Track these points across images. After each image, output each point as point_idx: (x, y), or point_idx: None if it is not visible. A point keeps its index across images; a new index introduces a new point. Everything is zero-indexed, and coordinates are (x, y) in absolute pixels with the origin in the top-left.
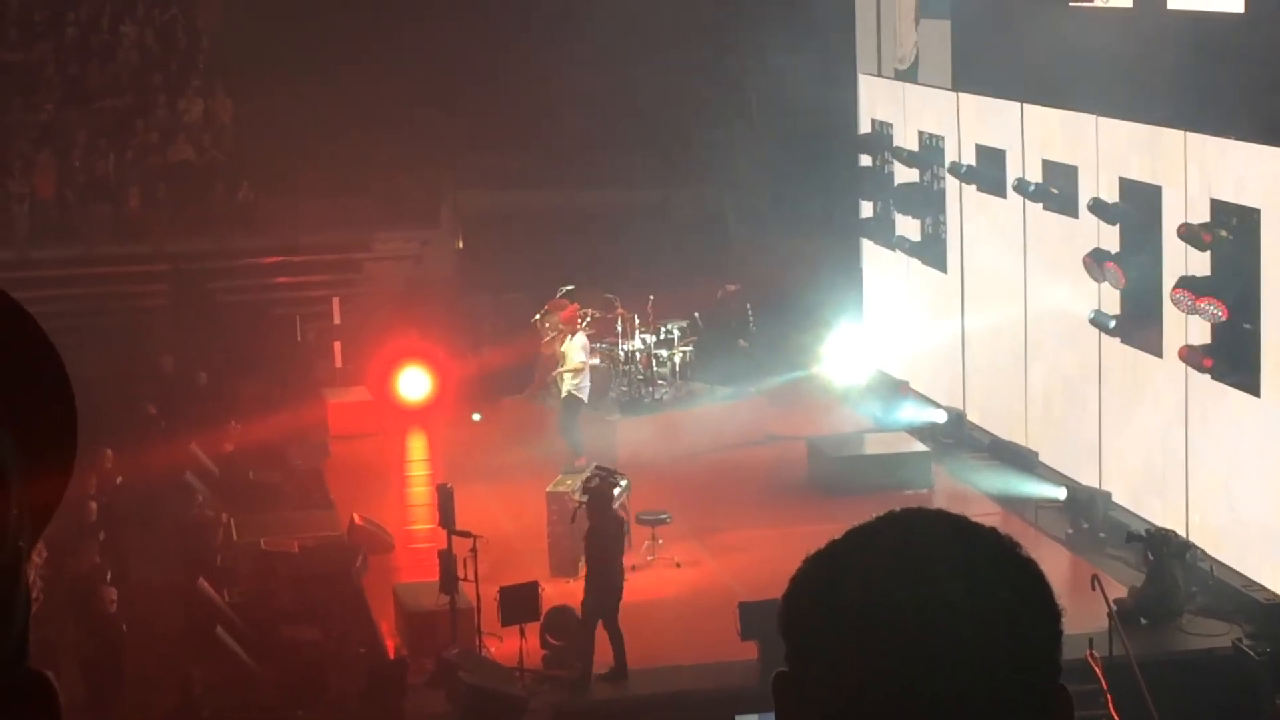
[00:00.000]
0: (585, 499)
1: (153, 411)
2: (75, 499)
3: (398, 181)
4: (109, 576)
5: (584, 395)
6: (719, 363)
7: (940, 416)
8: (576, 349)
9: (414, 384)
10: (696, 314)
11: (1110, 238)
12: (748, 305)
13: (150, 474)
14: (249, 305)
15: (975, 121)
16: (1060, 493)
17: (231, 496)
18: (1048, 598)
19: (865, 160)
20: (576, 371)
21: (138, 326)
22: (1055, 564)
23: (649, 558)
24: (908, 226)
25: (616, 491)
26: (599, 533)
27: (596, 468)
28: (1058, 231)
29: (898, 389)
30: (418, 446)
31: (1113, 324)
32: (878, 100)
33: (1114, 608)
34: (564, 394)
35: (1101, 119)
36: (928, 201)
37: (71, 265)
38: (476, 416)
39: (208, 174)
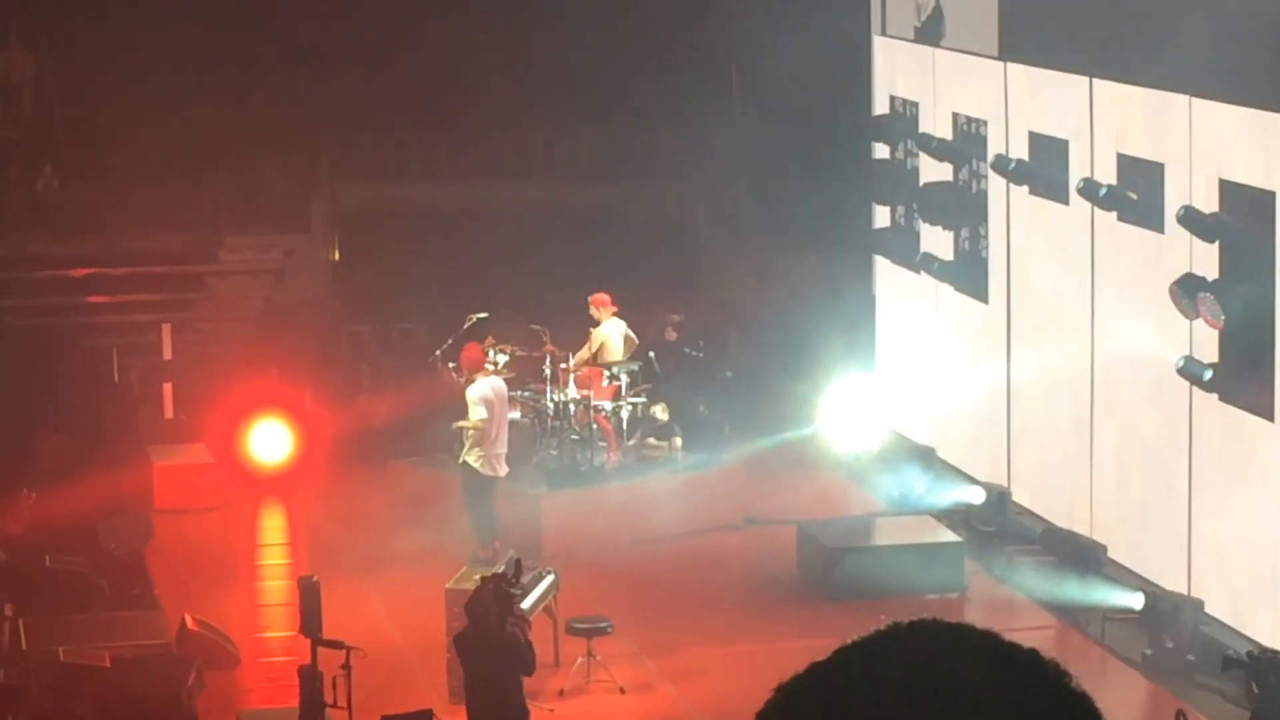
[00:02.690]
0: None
1: None
2: None
3: (254, 168)
4: None
5: (489, 468)
6: (682, 420)
7: (977, 496)
8: (474, 400)
9: (270, 442)
10: (652, 353)
11: (1207, 260)
12: (695, 348)
13: None
14: (49, 333)
15: (1029, 101)
16: (1136, 600)
17: (20, 589)
18: None
19: (881, 151)
20: (475, 431)
21: None
22: (1127, 695)
23: (583, 680)
24: (937, 241)
25: (534, 597)
26: (477, 658)
27: (506, 567)
28: (1137, 250)
29: (920, 458)
30: (273, 526)
31: (1208, 375)
32: (898, 71)
33: None
34: (460, 461)
35: (1198, 100)
36: (964, 207)
37: None
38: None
39: None
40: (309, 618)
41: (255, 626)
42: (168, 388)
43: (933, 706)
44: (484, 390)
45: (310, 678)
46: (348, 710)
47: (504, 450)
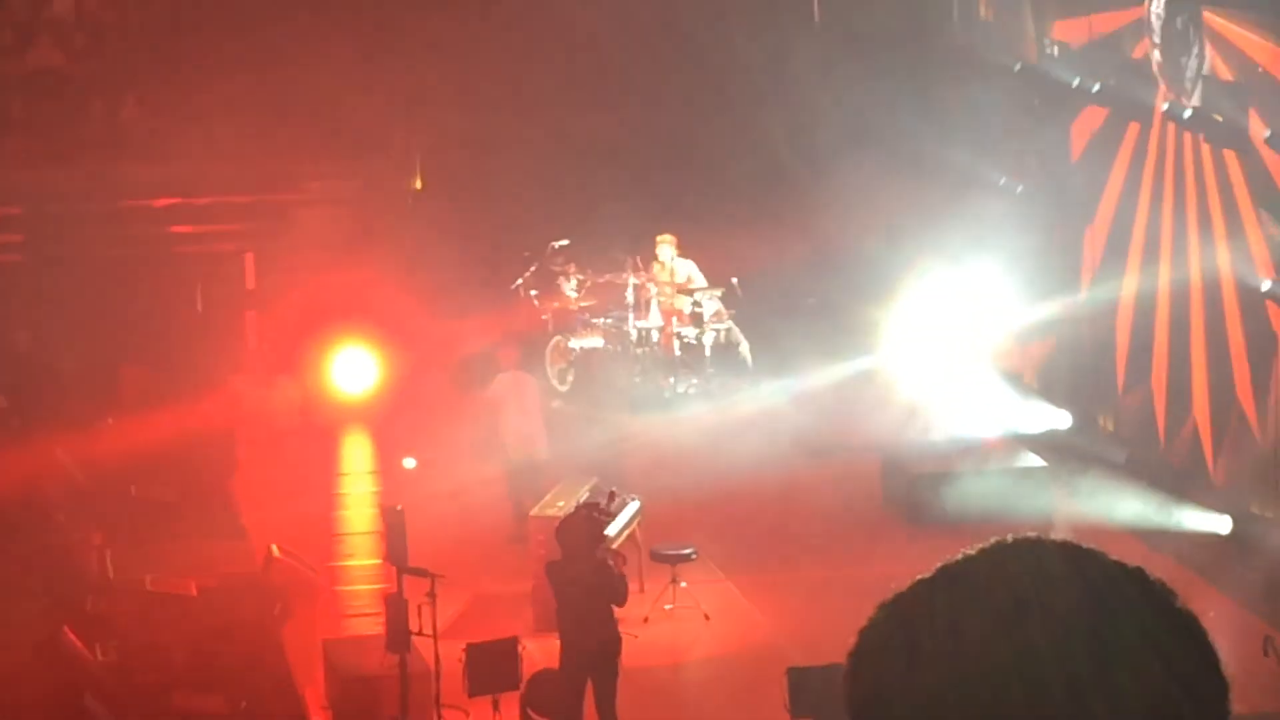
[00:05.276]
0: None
1: (2, 404)
2: None
3: (336, 97)
4: None
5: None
6: (764, 346)
7: (1064, 420)
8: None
9: (354, 371)
10: (735, 280)
11: None
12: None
13: None
14: (133, 263)
15: None
16: (1224, 524)
17: (108, 518)
18: (1212, 665)
19: (963, 77)
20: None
21: None
22: (1214, 621)
23: (667, 606)
24: (1019, 168)
25: (619, 524)
26: (568, 584)
27: (590, 495)
28: (1223, 173)
29: (1007, 383)
30: (358, 455)
31: None
32: None
33: None
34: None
35: None
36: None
37: None
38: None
39: (81, 86)
40: (395, 546)
41: (340, 555)
42: (251, 317)
43: (1028, 622)
44: (488, 390)
45: (396, 606)
46: (433, 638)
47: (516, 437)
